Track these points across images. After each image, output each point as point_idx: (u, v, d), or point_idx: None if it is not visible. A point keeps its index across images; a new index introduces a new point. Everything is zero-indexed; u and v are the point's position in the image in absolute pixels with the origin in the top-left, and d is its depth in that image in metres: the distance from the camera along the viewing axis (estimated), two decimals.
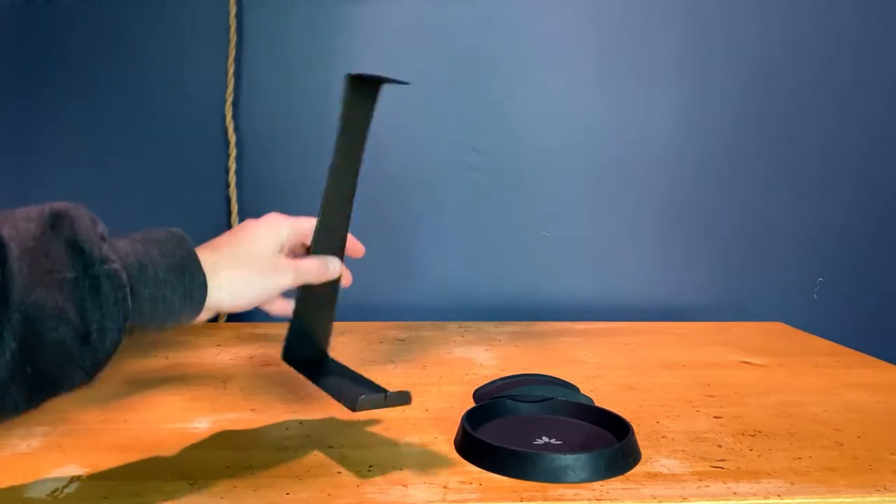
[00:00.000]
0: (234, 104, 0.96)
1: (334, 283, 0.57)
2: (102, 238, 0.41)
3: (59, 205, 0.41)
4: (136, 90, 0.95)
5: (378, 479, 0.49)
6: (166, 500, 0.45)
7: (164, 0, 0.94)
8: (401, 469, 0.51)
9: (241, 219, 0.97)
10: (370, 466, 0.51)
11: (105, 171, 0.95)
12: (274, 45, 0.97)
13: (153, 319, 0.43)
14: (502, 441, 0.52)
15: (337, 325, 0.97)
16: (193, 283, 0.45)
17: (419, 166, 0.99)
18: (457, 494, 0.47)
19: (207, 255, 0.47)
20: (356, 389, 0.52)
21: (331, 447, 0.54)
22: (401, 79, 0.55)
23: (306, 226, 0.55)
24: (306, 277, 0.53)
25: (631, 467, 0.52)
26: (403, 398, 0.52)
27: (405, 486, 0.48)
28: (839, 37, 1.08)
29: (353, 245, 0.59)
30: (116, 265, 0.40)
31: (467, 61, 1.01)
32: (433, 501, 0.46)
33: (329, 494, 0.47)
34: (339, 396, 0.52)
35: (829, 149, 1.10)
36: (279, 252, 0.52)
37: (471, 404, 0.65)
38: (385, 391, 0.52)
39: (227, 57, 0.94)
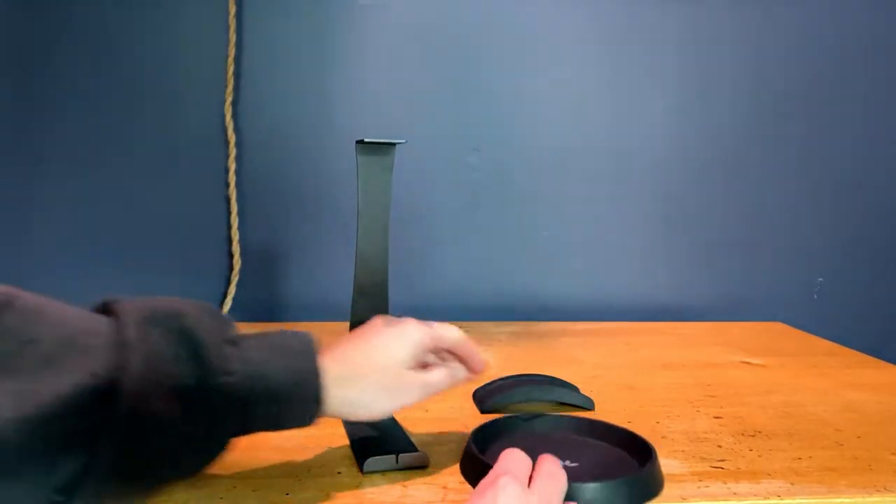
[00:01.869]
0: (234, 104, 0.96)
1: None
2: (228, 342, 0.40)
3: (184, 305, 0.40)
4: (135, 90, 0.94)
5: (378, 479, 0.49)
6: (166, 499, 0.45)
7: (164, 0, 0.94)
8: (401, 469, 0.51)
9: (242, 219, 0.97)
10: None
11: (105, 171, 0.95)
12: (274, 45, 0.97)
13: (257, 430, 0.42)
14: None
15: (337, 326, 0.97)
16: (311, 401, 0.42)
17: (419, 166, 0.99)
18: (457, 495, 0.47)
19: (332, 367, 0.44)
20: (373, 449, 0.52)
21: (330, 447, 0.54)
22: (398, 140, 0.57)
23: (442, 333, 0.50)
24: (434, 392, 0.49)
25: (655, 494, 0.48)
26: (419, 461, 0.51)
27: (405, 486, 0.48)
28: (839, 37, 1.08)
29: (475, 360, 0.52)
30: (235, 378, 0.39)
31: (467, 61, 1.01)
32: (433, 501, 0.46)
33: (329, 494, 0.47)
34: (356, 452, 0.53)
35: (830, 149, 1.10)
36: (409, 367, 0.47)
37: (471, 404, 0.65)
38: (405, 450, 0.51)
39: (227, 57, 0.94)
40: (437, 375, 0.49)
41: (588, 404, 0.64)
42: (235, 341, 0.41)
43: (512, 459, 0.42)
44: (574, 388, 0.67)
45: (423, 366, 0.49)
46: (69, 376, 0.34)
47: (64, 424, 0.34)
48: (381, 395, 0.45)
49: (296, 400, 0.42)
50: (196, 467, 0.41)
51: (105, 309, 0.40)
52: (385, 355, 0.46)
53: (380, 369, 0.46)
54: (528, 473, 0.42)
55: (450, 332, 0.50)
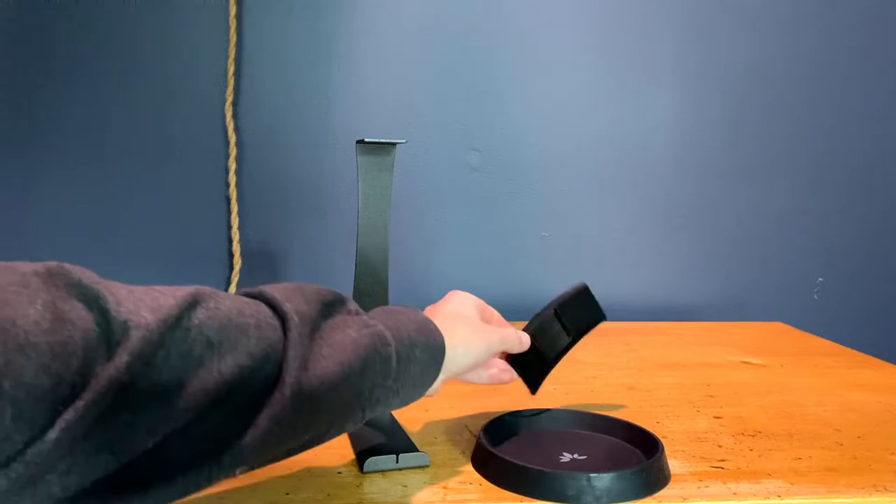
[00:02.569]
0: (234, 104, 0.96)
1: None
2: (357, 313, 0.44)
3: (325, 291, 0.43)
4: (136, 90, 0.95)
5: (378, 479, 0.49)
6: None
7: (165, 1, 0.94)
8: (401, 469, 0.51)
9: (242, 219, 0.97)
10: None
11: (105, 171, 0.95)
12: (274, 45, 0.97)
13: (403, 386, 0.44)
14: (526, 459, 0.49)
15: None
16: (436, 344, 0.46)
17: (419, 166, 0.99)
18: (457, 494, 0.47)
19: (435, 321, 0.48)
20: (373, 448, 0.52)
21: (330, 447, 0.54)
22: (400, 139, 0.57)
23: (485, 306, 0.57)
24: (508, 345, 0.55)
25: (664, 484, 0.49)
26: (419, 461, 0.51)
27: (405, 486, 0.48)
28: (839, 37, 1.08)
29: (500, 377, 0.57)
30: (387, 335, 0.42)
31: (468, 61, 1.01)
32: (433, 501, 0.46)
33: (329, 494, 0.47)
34: (357, 451, 0.53)
35: (829, 149, 1.10)
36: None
37: (470, 404, 0.65)
38: (405, 450, 0.51)
39: (227, 57, 0.94)
40: (509, 331, 0.55)
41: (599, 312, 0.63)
42: (391, 341, 0.43)
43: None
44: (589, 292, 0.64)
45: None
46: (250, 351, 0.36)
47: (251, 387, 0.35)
48: (477, 336, 0.51)
49: (427, 347, 0.45)
50: (340, 432, 0.42)
51: (265, 301, 0.41)
52: (465, 306, 0.53)
53: (467, 317, 0.52)
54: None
55: (487, 309, 0.57)
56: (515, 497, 0.47)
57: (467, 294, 0.55)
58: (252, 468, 0.36)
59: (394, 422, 0.58)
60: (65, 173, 0.94)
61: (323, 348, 0.39)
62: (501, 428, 0.56)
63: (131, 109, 0.95)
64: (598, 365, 0.80)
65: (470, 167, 1.02)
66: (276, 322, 0.38)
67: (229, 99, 0.95)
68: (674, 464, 0.53)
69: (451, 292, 0.55)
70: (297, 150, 0.98)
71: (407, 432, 0.56)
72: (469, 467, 0.52)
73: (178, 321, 0.34)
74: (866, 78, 1.10)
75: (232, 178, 0.96)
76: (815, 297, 1.13)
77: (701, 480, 0.51)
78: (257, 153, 0.98)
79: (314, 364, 0.38)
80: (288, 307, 0.38)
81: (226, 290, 0.97)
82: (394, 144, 0.57)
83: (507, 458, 0.49)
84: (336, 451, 0.54)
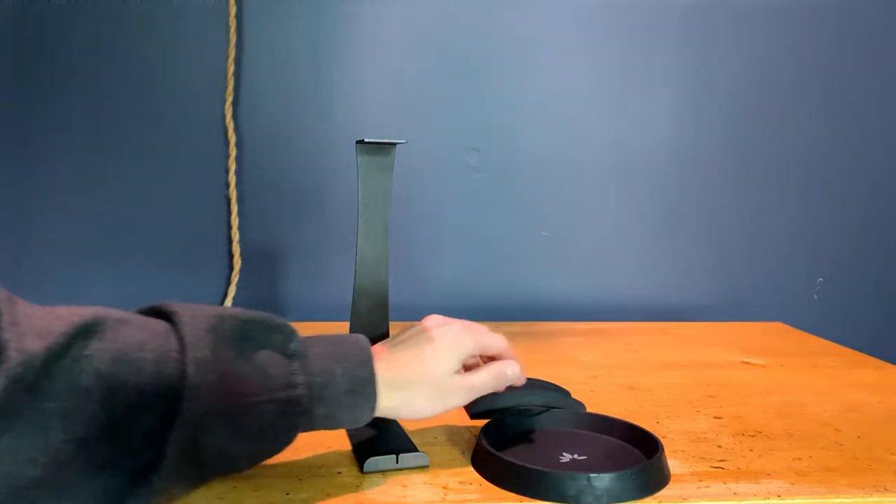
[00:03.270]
0: (234, 104, 0.96)
1: (384, 338, 0.59)
2: (292, 355, 0.43)
3: (246, 319, 0.42)
4: (136, 90, 0.94)
5: (378, 479, 0.49)
6: (165, 499, 0.45)
7: (165, 0, 0.93)
8: (401, 469, 0.51)
9: (242, 219, 0.97)
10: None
11: (105, 171, 0.95)
12: (274, 45, 0.97)
13: (313, 429, 0.44)
14: (526, 459, 0.49)
15: (336, 326, 0.97)
16: (366, 406, 0.45)
17: (419, 166, 0.99)
18: (457, 495, 0.47)
19: (384, 371, 0.46)
20: (373, 449, 0.52)
21: (330, 447, 0.54)
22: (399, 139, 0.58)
23: (489, 341, 0.52)
24: (478, 394, 0.51)
25: (664, 484, 0.49)
26: (419, 461, 0.51)
27: (405, 486, 0.48)
28: (839, 37, 1.08)
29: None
30: (299, 390, 0.41)
31: (467, 61, 1.01)
32: (433, 502, 0.46)
33: (329, 494, 0.47)
34: (356, 452, 0.53)
35: (829, 149, 1.10)
36: (456, 372, 0.49)
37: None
38: (405, 450, 0.51)
39: (227, 57, 0.94)
40: (481, 378, 0.50)
41: (579, 408, 0.63)
42: (298, 353, 0.43)
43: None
44: (565, 392, 0.66)
45: (467, 367, 0.52)
46: (140, 378, 0.35)
47: (138, 423, 0.35)
48: (428, 400, 0.48)
49: (352, 405, 0.44)
50: (253, 463, 0.42)
51: (160, 315, 0.41)
52: (434, 364, 0.48)
53: (428, 377, 0.48)
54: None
55: (496, 342, 0.52)
56: (515, 497, 0.47)
57: (455, 340, 0.50)
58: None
59: (393, 422, 0.58)
60: (64, 173, 0.94)
61: (225, 409, 0.38)
62: (501, 428, 0.55)
63: (131, 109, 0.95)
64: (598, 365, 0.80)
65: (470, 167, 1.02)
66: (178, 359, 0.37)
67: (229, 99, 0.95)
68: (674, 464, 0.53)
69: (434, 339, 0.49)
70: (297, 150, 0.98)
71: (406, 432, 0.56)
72: (469, 468, 0.52)
73: (66, 350, 0.33)
74: (867, 78, 1.10)
75: (232, 178, 0.96)
76: (815, 297, 1.13)
77: (701, 480, 0.51)
78: (257, 153, 0.98)
79: (209, 423, 0.37)
80: (190, 353, 0.37)
81: (226, 290, 0.97)
82: (394, 144, 0.57)
83: (506, 458, 0.49)
84: (336, 451, 0.54)
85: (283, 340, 0.43)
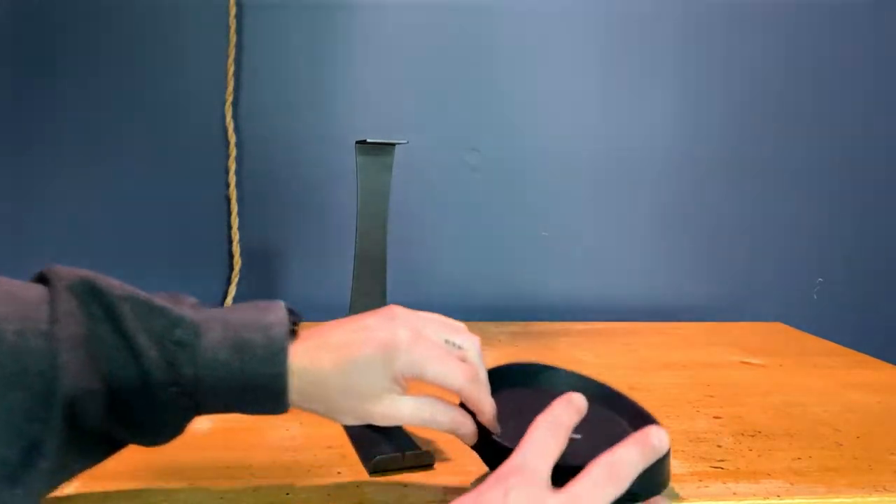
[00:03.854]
0: (234, 104, 0.96)
1: None
2: (177, 343, 0.38)
3: (122, 301, 0.39)
4: (136, 90, 0.94)
5: (378, 479, 0.49)
6: (166, 499, 0.45)
7: (165, 0, 0.94)
8: (400, 469, 0.51)
9: (242, 219, 0.97)
10: None
11: (104, 171, 0.95)
12: (274, 45, 0.97)
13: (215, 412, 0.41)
14: (520, 433, 0.40)
15: None
16: (268, 404, 0.40)
17: (419, 166, 0.99)
18: (457, 495, 0.47)
19: (299, 377, 0.40)
20: (377, 448, 0.52)
21: (330, 447, 0.54)
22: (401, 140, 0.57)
23: (440, 378, 0.43)
24: (404, 423, 0.43)
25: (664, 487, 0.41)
26: (425, 459, 0.51)
27: (405, 486, 0.48)
28: (839, 37, 1.08)
29: (481, 413, 0.45)
30: (183, 386, 0.38)
31: (467, 61, 1.01)
32: (433, 502, 0.46)
33: (329, 494, 0.47)
34: (359, 452, 0.53)
35: (829, 149, 1.10)
36: (387, 386, 0.42)
37: None
38: (410, 450, 0.51)
39: (227, 57, 0.94)
40: (408, 410, 0.43)
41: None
42: (184, 342, 0.38)
43: (535, 446, 0.37)
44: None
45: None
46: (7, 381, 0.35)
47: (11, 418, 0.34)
48: (346, 414, 0.42)
49: (254, 401, 0.40)
50: (146, 445, 0.41)
51: (42, 279, 0.40)
52: (360, 379, 0.41)
53: (349, 392, 0.41)
54: (554, 459, 0.37)
55: (451, 378, 0.43)
56: None
57: (393, 346, 0.41)
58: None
59: None
60: (63, 173, 0.94)
61: (99, 392, 0.37)
62: (497, 379, 0.48)
63: (131, 109, 0.95)
64: (597, 365, 0.80)
65: (470, 167, 1.02)
66: (45, 332, 0.36)
67: (229, 99, 0.95)
68: (673, 464, 0.53)
69: (369, 342, 0.41)
70: (296, 150, 0.98)
71: (408, 432, 0.56)
72: (469, 468, 0.52)
73: None
74: (868, 78, 1.10)
75: (232, 178, 0.96)
76: (815, 297, 1.13)
77: (701, 480, 0.51)
78: (257, 153, 0.98)
79: (86, 405, 0.36)
80: (62, 329, 0.36)
81: (226, 290, 0.97)
82: (393, 145, 0.57)
83: (503, 442, 0.43)
84: (336, 451, 0.54)
85: (169, 326, 0.39)
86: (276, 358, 0.39)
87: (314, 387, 0.41)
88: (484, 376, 0.46)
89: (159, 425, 0.40)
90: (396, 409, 0.42)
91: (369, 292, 0.58)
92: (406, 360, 0.42)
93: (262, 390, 0.39)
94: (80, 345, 0.37)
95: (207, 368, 0.38)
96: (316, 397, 0.41)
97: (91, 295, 0.39)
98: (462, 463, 0.53)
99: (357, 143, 0.56)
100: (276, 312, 0.41)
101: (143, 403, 0.38)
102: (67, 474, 0.39)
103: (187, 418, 0.40)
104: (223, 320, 0.40)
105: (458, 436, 0.45)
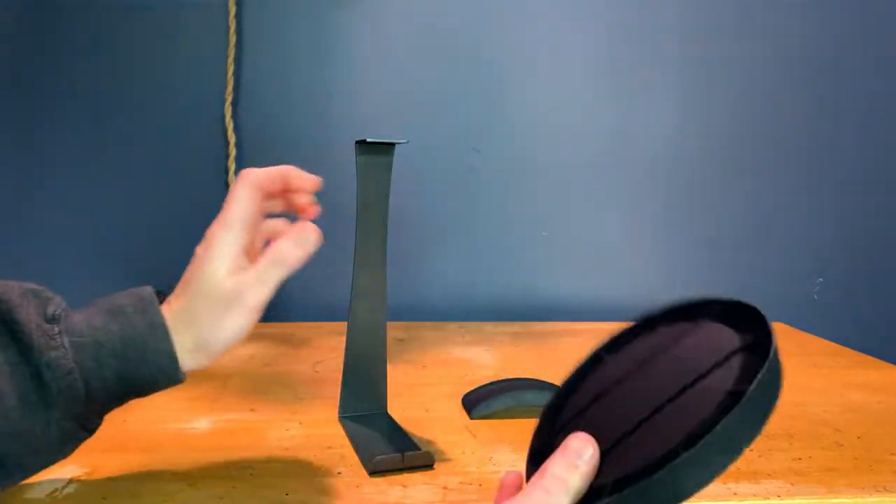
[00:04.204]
0: (234, 104, 0.96)
1: (382, 339, 0.58)
2: (50, 319, 0.38)
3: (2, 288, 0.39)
4: (135, 90, 0.94)
5: (378, 479, 0.49)
6: (165, 500, 0.45)
7: (164, 0, 0.93)
8: (400, 469, 0.51)
9: None
10: None
11: (104, 172, 0.95)
12: (274, 45, 0.96)
13: (122, 394, 0.40)
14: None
15: (336, 326, 0.97)
16: (156, 359, 0.39)
17: (419, 166, 0.99)
18: (457, 495, 0.47)
19: (167, 314, 0.40)
20: (377, 448, 0.52)
21: (330, 447, 0.54)
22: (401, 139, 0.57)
23: (255, 207, 0.45)
24: (269, 287, 0.42)
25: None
26: (425, 459, 0.51)
27: (405, 486, 0.48)
28: (839, 37, 1.08)
29: (301, 182, 0.50)
30: (61, 352, 0.38)
31: (468, 61, 1.01)
32: (433, 502, 0.46)
33: (329, 494, 0.47)
34: (359, 452, 0.53)
35: (829, 149, 1.10)
36: (234, 271, 0.42)
37: None
38: (410, 450, 0.51)
39: (227, 57, 0.94)
40: (250, 276, 0.42)
41: None
42: (58, 317, 0.39)
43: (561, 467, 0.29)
44: None
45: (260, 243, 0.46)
46: None
47: None
48: (212, 334, 0.40)
49: (139, 359, 0.39)
50: (50, 458, 0.40)
51: None
52: (202, 277, 0.41)
53: (202, 295, 0.40)
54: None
55: (241, 204, 0.44)
56: None
57: (218, 232, 0.44)
58: None
59: (394, 422, 0.58)
60: (63, 173, 0.94)
61: None
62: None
63: (131, 109, 0.95)
64: None
65: (470, 167, 1.02)
66: None
67: (229, 99, 0.95)
68: None
69: (202, 247, 0.44)
70: (297, 150, 0.98)
71: (407, 432, 0.56)
72: (469, 468, 0.52)
73: None
74: (868, 77, 1.10)
75: (232, 179, 0.96)
76: (815, 297, 1.13)
77: None
78: (257, 153, 0.98)
79: None
80: None
81: None
82: (393, 145, 0.57)
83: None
84: (336, 451, 0.54)
85: (40, 305, 0.39)
86: (149, 308, 0.40)
87: (180, 321, 0.40)
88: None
89: (52, 425, 0.38)
90: (244, 290, 0.41)
91: (369, 293, 0.58)
92: (235, 227, 0.44)
93: (142, 341, 0.39)
94: None
95: (85, 336, 0.38)
96: (184, 328, 0.40)
97: None
98: (462, 463, 0.53)
99: (357, 142, 0.56)
100: (141, 287, 0.42)
101: (28, 386, 0.37)
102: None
103: (79, 410, 0.39)
104: (91, 302, 0.41)
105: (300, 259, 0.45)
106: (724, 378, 0.29)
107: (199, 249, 0.43)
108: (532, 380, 0.68)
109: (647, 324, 0.37)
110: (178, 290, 0.42)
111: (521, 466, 0.35)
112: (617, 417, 0.31)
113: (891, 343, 1.13)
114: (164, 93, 0.95)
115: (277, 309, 1.00)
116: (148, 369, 0.39)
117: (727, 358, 0.30)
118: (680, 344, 0.33)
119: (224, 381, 0.70)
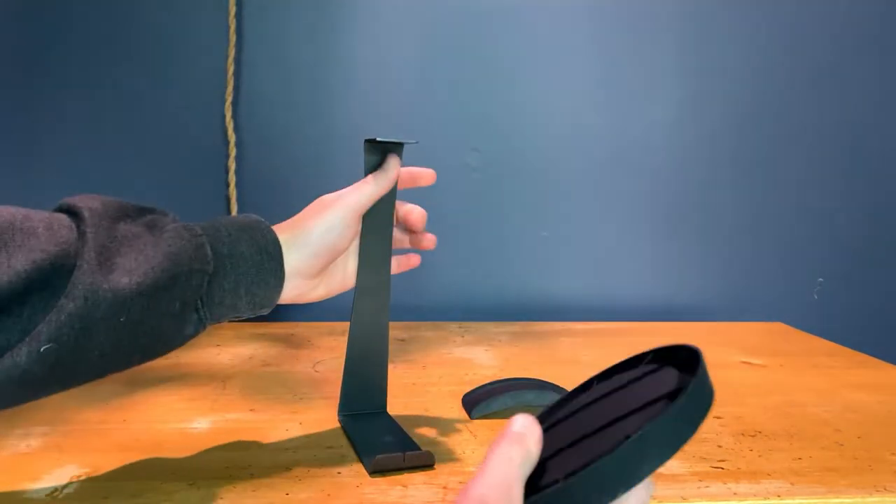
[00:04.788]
0: (234, 104, 0.96)
1: (384, 338, 0.59)
2: (197, 234, 0.46)
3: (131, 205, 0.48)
4: (135, 90, 0.94)
5: (378, 479, 0.49)
6: (166, 500, 0.45)
7: (164, 0, 0.93)
8: (400, 469, 0.51)
9: None
10: None
11: (105, 171, 0.95)
12: (274, 45, 0.96)
13: (229, 307, 0.46)
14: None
15: (336, 326, 0.97)
16: (263, 235, 0.48)
17: (419, 166, 0.99)
18: (456, 495, 0.47)
19: (284, 234, 0.51)
20: (377, 448, 0.52)
21: (330, 447, 0.54)
22: (409, 140, 0.60)
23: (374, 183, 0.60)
24: (372, 195, 0.58)
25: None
26: (426, 459, 0.51)
27: (405, 486, 0.48)
28: (839, 37, 1.08)
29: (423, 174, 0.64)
30: (196, 228, 0.46)
31: (467, 61, 1.01)
32: (433, 502, 0.46)
33: (329, 494, 0.47)
34: (359, 452, 0.53)
35: (829, 149, 1.10)
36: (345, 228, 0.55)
37: None
38: (410, 450, 0.51)
39: (227, 57, 0.94)
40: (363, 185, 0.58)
41: None
42: (202, 232, 0.46)
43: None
44: (565, 392, 0.66)
45: None
46: (28, 255, 0.36)
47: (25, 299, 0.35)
48: (315, 212, 0.56)
49: (260, 267, 0.47)
50: (163, 347, 0.43)
51: (68, 211, 0.43)
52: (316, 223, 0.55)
53: (308, 219, 0.55)
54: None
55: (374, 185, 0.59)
56: None
57: (339, 206, 0.57)
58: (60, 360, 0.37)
59: (394, 422, 0.58)
60: (64, 173, 0.94)
61: (122, 247, 0.41)
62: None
63: (131, 109, 0.95)
64: (598, 365, 0.80)
65: (470, 167, 1.02)
66: (71, 223, 0.39)
67: (229, 99, 0.95)
68: (674, 464, 0.53)
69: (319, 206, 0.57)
70: (297, 149, 0.98)
71: (407, 432, 0.56)
72: (469, 468, 0.52)
73: None
74: (868, 77, 1.10)
75: (232, 178, 0.96)
76: (815, 297, 1.13)
77: (701, 480, 0.51)
78: (257, 153, 0.98)
79: (113, 264, 0.39)
80: (83, 207, 0.41)
81: None
82: (401, 144, 0.57)
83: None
84: (336, 451, 0.54)
85: (170, 217, 0.48)
86: (266, 228, 0.49)
87: (294, 234, 0.51)
88: None
89: (177, 316, 0.42)
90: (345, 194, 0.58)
91: (372, 292, 0.58)
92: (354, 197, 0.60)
93: (269, 253, 0.47)
94: (105, 231, 0.42)
95: (224, 246, 0.46)
96: (303, 233, 0.52)
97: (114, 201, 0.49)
98: (462, 463, 0.53)
99: (366, 141, 0.56)
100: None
101: (167, 281, 0.42)
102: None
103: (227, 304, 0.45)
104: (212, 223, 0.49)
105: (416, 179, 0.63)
106: (661, 405, 0.36)
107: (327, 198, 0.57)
108: (532, 380, 0.68)
109: (633, 362, 0.44)
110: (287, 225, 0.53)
111: None
112: (579, 429, 0.37)
113: (891, 343, 1.13)
114: (164, 93, 0.95)
115: (277, 309, 1.00)
116: (269, 281, 0.47)
117: (668, 394, 0.36)
118: (642, 381, 0.41)
119: (224, 381, 0.70)
